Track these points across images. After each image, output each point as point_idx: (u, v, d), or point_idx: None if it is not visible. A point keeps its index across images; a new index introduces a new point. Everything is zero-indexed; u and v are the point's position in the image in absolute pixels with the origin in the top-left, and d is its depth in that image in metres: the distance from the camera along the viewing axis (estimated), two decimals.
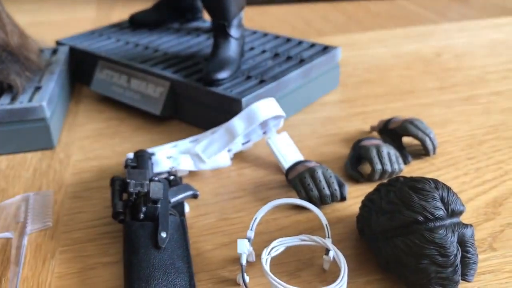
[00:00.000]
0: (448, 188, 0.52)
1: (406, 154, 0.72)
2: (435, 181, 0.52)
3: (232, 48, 0.82)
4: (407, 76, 0.98)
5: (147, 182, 0.58)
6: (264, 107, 0.71)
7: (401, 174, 0.69)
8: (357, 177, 0.68)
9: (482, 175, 0.68)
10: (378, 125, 0.77)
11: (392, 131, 0.74)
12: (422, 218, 0.49)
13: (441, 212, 0.49)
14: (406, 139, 0.76)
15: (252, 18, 1.36)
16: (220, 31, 0.82)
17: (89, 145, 0.79)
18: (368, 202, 0.55)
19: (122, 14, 1.42)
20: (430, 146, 0.72)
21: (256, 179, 0.69)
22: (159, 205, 0.55)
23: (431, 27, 1.23)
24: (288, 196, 0.65)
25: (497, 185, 0.66)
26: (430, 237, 0.48)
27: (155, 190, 0.56)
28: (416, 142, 0.76)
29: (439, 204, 0.50)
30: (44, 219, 0.63)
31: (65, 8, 1.50)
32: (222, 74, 0.78)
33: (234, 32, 0.82)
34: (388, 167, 0.67)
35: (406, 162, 0.71)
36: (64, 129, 0.85)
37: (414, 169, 0.70)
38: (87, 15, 1.42)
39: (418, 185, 0.51)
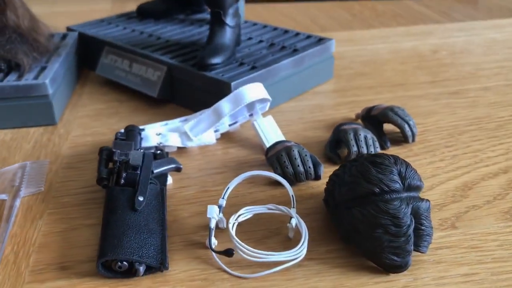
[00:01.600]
0: (407, 164, 0.54)
1: (385, 139, 0.74)
2: (395, 157, 0.55)
3: (227, 36, 0.86)
4: (400, 70, 1.00)
5: (132, 152, 0.63)
6: (251, 90, 0.74)
7: None
8: (334, 159, 0.71)
9: (457, 162, 0.70)
10: (362, 112, 0.80)
11: (374, 118, 0.77)
12: (378, 189, 0.52)
13: (397, 185, 0.52)
14: (388, 127, 0.79)
15: (260, 14, 1.40)
16: (215, 19, 0.86)
17: (89, 123, 0.84)
18: (333, 176, 0.58)
19: (136, 6, 1.47)
20: (408, 133, 0.74)
21: (240, 157, 0.73)
22: (138, 172, 0.60)
23: (433, 26, 1.25)
24: None
25: (470, 171, 0.68)
26: (384, 207, 0.51)
27: (135, 157, 0.60)
28: (397, 130, 0.78)
29: (396, 177, 0.52)
30: (37, 185, 0.68)
31: (79, 2, 1.57)
32: (215, 59, 0.82)
33: (229, 20, 0.86)
34: (364, 150, 0.69)
35: (384, 147, 0.74)
36: (67, 108, 0.90)
37: (392, 153, 0.73)
38: (103, 7, 1.48)
39: (378, 159, 0.54)
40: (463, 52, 1.09)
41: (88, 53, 1.03)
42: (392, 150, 0.74)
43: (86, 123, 0.84)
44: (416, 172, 0.55)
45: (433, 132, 0.78)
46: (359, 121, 0.82)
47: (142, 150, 0.66)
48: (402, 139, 0.76)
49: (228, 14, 0.86)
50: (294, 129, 0.80)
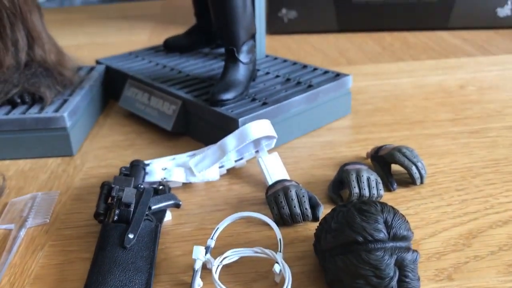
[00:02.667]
0: (395, 213, 0.53)
1: (392, 181, 0.72)
2: (383, 205, 0.53)
3: (240, 72, 0.87)
4: (422, 107, 0.98)
5: (126, 189, 0.64)
6: (256, 127, 0.75)
7: (383, 201, 0.70)
8: (336, 200, 0.70)
9: (465, 207, 0.67)
10: (371, 151, 0.78)
11: (382, 158, 0.75)
12: (361, 238, 0.50)
13: (381, 235, 0.50)
14: (399, 168, 0.77)
15: (290, 46, 1.40)
16: (229, 56, 0.87)
17: (104, 155, 0.87)
18: (323, 221, 0.57)
19: None
20: (416, 175, 0.72)
21: (242, 194, 0.73)
22: (131, 209, 0.61)
23: (464, 60, 1.21)
24: (265, 213, 0.68)
25: (478, 218, 0.65)
26: (366, 257, 0.49)
27: (128, 195, 0.61)
28: None
29: (380, 226, 0.51)
30: (44, 216, 0.70)
31: (123, 32, 1.63)
32: (226, 95, 0.83)
33: (243, 57, 0.87)
34: (366, 192, 0.68)
35: (390, 189, 0.72)
36: (88, 138, 0.93)
37: (398, 196, 0.71)
38: (141, 38, 1.54)
39: (364, 207, 0.53)
40: (492, 88, 1.05)
41: (114, 85, 1.07)
42: (399, 192, 0.71)
43: (102, 154, 0.87)
44: (405, 220, 0.53)
45: (445, 174, 0.75)
46: (369, 160, 0.80)
47: (143, 186, 0.67)
48: (410, 180, 0.74)
49: (242, 51, 0.87)
50: (302, 167, 0.79)
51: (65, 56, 0.98)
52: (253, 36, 0.90)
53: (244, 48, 0.88)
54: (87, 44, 1.51)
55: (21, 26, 0.90)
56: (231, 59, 0.87)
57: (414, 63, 1.21)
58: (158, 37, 1.54)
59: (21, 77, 0.89)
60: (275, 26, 1.50)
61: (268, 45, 1.42)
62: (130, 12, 1.92)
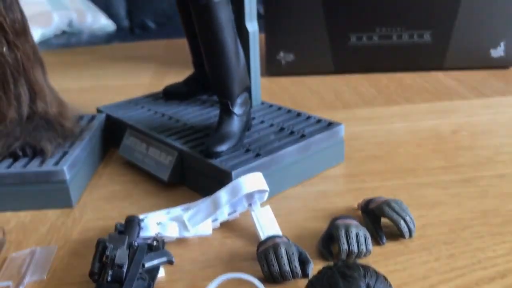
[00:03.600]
0: (378, 277, 0.54)
1: (381, 235, 0.74)
2: (366, 269, 0.55)
3: (234, 124, 0.89)
4: (415, 154, 0.99)
5: (124, 247, 0.66)
6: (249, 181, 0.77)
7: (373, 255, 0.71)
8: (325, 255, 0.71)
9: (453, 262, 0.68)
10: (362, 203, 0.80)
11: (371, 211, 0.77)
12: None
13: None
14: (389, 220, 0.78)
15: (287, 89, 1.43)
16: (224, 108, 0.90)
17: (102, 206, 0.89)
18: (309, 283, 0.58)
19: (173, 81, 1.55)
20: (404, 229, 0.73)
21: (234, 249, 0.75)
22: (124, 269, 0.63)
23: (458, 103, 1.23)
24: (256, 270, 0.70)
25: (465, 274, 0.66)
26: None
27: (121, 256, 0.63)
28: None
29: None
30: (42, 272, 0.72)
31: (126, 74, 1.67)
32: (221, 148, 0.86)
33: (237, 109, 0.90)
34: (355, 248, 0.69)
35: (380, 243, 0.73)
36: (86, 189, 0.95)
37: (387, 251, 0.72)
38: (143, 81, 1.57)
39: (347, 272, 0.54)
40: (484, 133, 1.06)
41: (114, 133, 1.10)
42: (388, 246, 0.73)
43: (100, 206, 0.89)
44: (388, 284, 0.54)
45: (434, 226, 0.76)
46: (360, 212, 0.81)
47: (137, 243, 0.69)
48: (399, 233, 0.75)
49: (236, 104, 0.90)
50: (295, 219, 0.81)
51: (66, 107, 1.01)
52: (247, 88, 0.92)
53: (238, 100, 0.90)
54: (91, 87, 1.55)
55: (24, 81, 0.94)
56: (226, 112, 0.90)
57: (409, 107, 1.23)
58: (159, 80, 1.57)
59: (23, 130, 0.92)
60: (273, 69, 1.53)
61: (266, 87, 1.45)
62: (133, 53, 1.97)
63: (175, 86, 1.17)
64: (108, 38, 3.95)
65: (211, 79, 0.90)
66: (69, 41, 3.66)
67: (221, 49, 0.85)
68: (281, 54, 1.50)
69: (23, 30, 0.91)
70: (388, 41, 1.43)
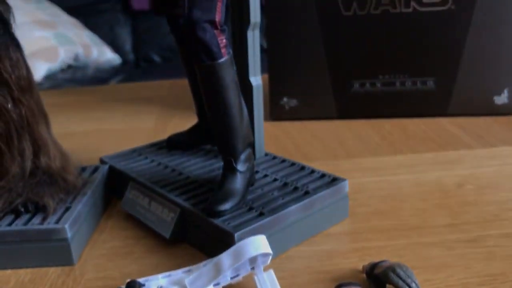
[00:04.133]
0: None
1: None
2: None
3: (237, 181, 0.89)
4: (420, 209, 0.98)
5: None
6: (253, 244, 0.76)
7: None
8: None
9: None
10: (367, 266, 0.79)
11: (376, 277, 0.75)
12: None
13: None
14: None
15: (290, 134, 1.43)
16: (227, 165, 0.90)
17: (103, 264, 0.88)
18: None
19: (177, 125, 1.56)
20: None
21: None
22: None
23: (463, 153, 1.23)
24: None
25: None
26: None
27: None
28: None
29: None
30: None
31: (129, 117, 1.68)
32: (223, 206, 0.85)
33: (240, 166, 0.89)
34: None
35: None
36: (88, 245, 0.94)
37: None
38: (146, 125, 1.58)
39: None
40: (490, 187, 1.05)
41: (117, 184, 1.09)
42: None
43: (101, 264, 0.88)
44: None
45: None
46: (365, 275, 0.80)
47: None
48: None
49: (240, 160, 0.90)
50: (298, 282, 0.80)
51: (69, 160, 1.01)
52: (250, 144, 0.92)
53: (242, 157, 0.90)
54: (95, 131, 1.56)
55: (28, 136, 0.94)
56: (229, 169, 0.89)
57: (413, 156, 1.23)
58: (163, 125, 1.58)
59: (26, 186, 0.92)
60: (276, 114, 1.53)
61: (269, 132, 1.45)
62: (138, 93, 1.98)
63: (179, 135, 1.17)
64: (114, 72, 3.99)
65: (214, 136, 0.89)
66: (75, 75, 3.70)
67: (224, 108, 0.85)
68: (285, 99, 1.50)
69: (28, 86, 0.92)
70: (392, 87, 1.44)
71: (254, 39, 1.01)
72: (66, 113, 1.78)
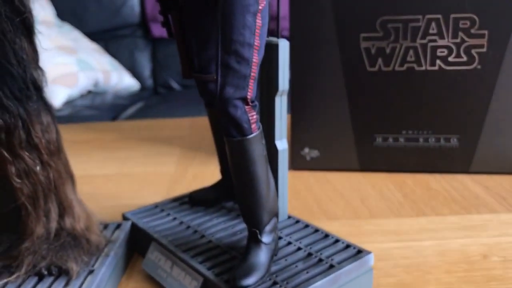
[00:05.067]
0: None
1: None
2: None
3: (262, 254, 0.88)
4: (444, 283, 0.97)
5: None
6: None
7: None
8: None
9: None
10: None
11: None
12: None
13: None
14: None
15: (311, 186, 1.43)
16: (252, 237, 0.89)
17: None
18: None
19: (197, 170, 1.56)
20: None
21: None
22: None
23: (487, 217, 1.21)
24: None
25: None
26: None
27: None
28: None
29: None
30: None
31: (150, 159, 1.68)
32: (248, 281, 0.84)
33: (265, 238, 0.89)
34: None
35: None
36: None
37: None
38: (167, 170, 1.58)
39: None
40: None
41: (139, 241, 1.09)
42: None
43: None
44: None
45: None
46: None
47: None
48: None
49: (265, 232, 0.89)
50: None
51: (93, 219, 1.01)
52: (276, 215, 0.92)
53: (267, 228, 0.89)
54: (115, 175, 1.56)
55: (54, 197, 0.94)
56: (254, 241, 0.89)
57: (437, 219, 1.21)
58: (184, 169, 1.58)
59: (50, 249, 0.92)
60: (297, 163, 1.53)
61: (290, 183, 1.45)
62: (158, 132, 1.99)
63: (201, 193, 1.16)
64: (132, 99, 4.02)
65: (239, 206, 0.89)
66: (94, 102, 3.74)
67: (251, 182, 0.85)
68: (306, 149, 1.50)
69: (57, 149, 0.93)
70: (415, 143, 1.43)
71: (281, 105, 1.01)
72: (87, 152, 1.79)
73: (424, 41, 1.36)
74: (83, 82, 3.69)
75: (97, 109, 3.52)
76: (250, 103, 0.82)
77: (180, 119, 2.19)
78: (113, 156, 1.73)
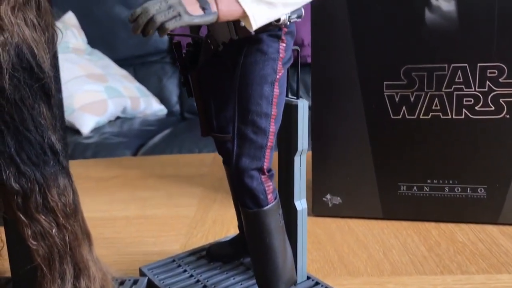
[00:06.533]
0: None
1: None
2: None
3: None
4: None
5: None
6: None
7: None
8: None
9: None
10: None
11: None
12: None
13: None
14: None
15: (332, 234, 1.40)
16: None
17: None
18: None
19: (217, 214, 1.55)
20: None
21: None
22: None
23: None
24: None
25: None
26: None
27: None
28: None
29: None
30: None
31: (171, 200, 1.69)
32: None
33: None
34: None
35: None
36: None
37: None
38: (187, 213, 1.58)
39: None
40: None
41: None
42: None
43: None
44: None
45: None
46: None
47: None
48: None
49: None
50: None
51: (108, 278, 1.01)
52: (294, 283, 0.89)
53: None
54: (136, 217, 1.57)
55: (69, 258, 0.94)
56: None
57: (463, 278, 1.17)
58: (204, 213, 1.58)
59: None
60: (319, 210, 1.50)
61: (311, 231, 1.42)
62: (181, 170, 2.00)
63: (219, 247, 1.15)
64: (159, 126, 4.07)
65: (255, 275, 0.87)
66: (122, 128, 3.78)
67: (267, 253, 0.83)
68: (328, 196, 1.47)
69: (73, 211, 0.93)
70: (440, 193, 1.39)
71: (301, 164, 0.99)
72: (111, 191, 1.80)
73: (450, 90, 1.33)
74: (111, 109, 3.75)
75: (125, 136, 3.57)
76: (267, 173, 0.81)
77: (202, 155, 2.19)
78: (136, 195, 1.74)
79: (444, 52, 1.31)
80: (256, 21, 0.68)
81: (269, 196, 0.80)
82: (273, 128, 0.80)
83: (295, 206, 1.00)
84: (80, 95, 3.63)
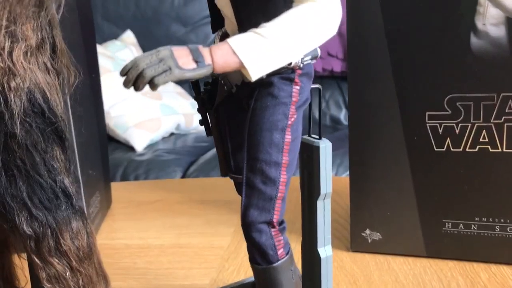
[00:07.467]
0: None
1: None
2: None
3: None
4: None
5: None
6: None
7: None
8: None
9: None
10: None
11: None
12: None
13: None
14: None
15: (371, 274, 1.31)
16: None
17: None
18: None
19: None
20: None
21: None
22: None
23: None
24: None
25: None
26: None
27: None
28: None
29: None
30: None
31: (207, 230, 1.66)
32: None
33: None
34: None
35: None
36: None
37: None
38: (221, 244, 1.55)
39: None
40: None
41: None
42: None
43: None
44: None
45: None
46: None
47: None
48: None
49: None
50: None
51: None
52: None
53: None
54: (170, 246, 1.55)
55: None
56: None
57: None
58: (238, 244, 1.54)
59: None
60: (357, 245, 1.43)
61: (348, 268, 1.35)
62: (220, 195, 1.97)
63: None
64: (211, 142, 4.07)
65: None
66: (175, 146, 3.83)
67: None
68: (367, 231, 1.39)
69: (87, 255, 0.91)
70: (489, 232, 1.28)
71: (324, 209, 0.93)
72: (151, 215, 1.81)
73: (499, 121, 1.22)
74: (165, 127, 3.81)
75: (178, 153, 3.61)
76: (277, 226, 0.75)
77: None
78: (173, 223, 1.73)
79: (493, 80, 1.20)
80: (256, 72, 0.64)
81: (279, 252, 0.75)
82: (284, 177, 0.75)
83: (318, 254, 0.94)
84: (136, 113, 3.71)
